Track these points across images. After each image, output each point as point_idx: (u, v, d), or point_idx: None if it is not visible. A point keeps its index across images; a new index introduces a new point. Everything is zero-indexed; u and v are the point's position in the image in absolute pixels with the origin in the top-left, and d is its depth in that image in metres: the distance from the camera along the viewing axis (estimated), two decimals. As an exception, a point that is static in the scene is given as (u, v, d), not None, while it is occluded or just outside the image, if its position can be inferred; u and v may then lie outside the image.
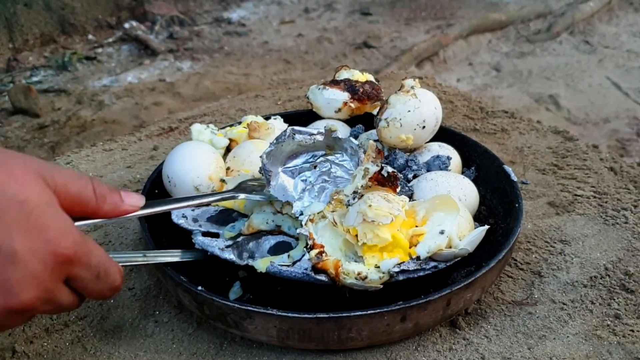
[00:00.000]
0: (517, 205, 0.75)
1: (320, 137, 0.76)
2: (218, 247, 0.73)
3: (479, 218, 0.83)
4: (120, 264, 0.58)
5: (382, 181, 0.67)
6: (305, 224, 0.70)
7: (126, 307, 0.73)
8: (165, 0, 3.59)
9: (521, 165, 1.03)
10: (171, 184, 0.82)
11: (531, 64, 2.80)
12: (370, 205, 0.64)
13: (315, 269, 0.65)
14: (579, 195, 0.92)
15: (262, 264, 0.70)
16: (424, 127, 0.84)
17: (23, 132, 2.21)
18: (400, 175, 0.71)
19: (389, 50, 2.96)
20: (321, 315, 0.59)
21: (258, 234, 0.78)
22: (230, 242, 0.74)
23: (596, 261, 0.78)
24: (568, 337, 0.67)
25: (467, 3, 3.72)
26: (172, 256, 0.71)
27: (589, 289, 0.74)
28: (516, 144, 1.11)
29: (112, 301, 0.73)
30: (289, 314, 0.59)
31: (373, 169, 0.67)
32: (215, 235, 0.77)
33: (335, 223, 0.68)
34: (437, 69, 2.66)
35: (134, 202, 0.60)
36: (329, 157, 0.79)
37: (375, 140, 0.87)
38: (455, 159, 0.88)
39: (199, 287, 0.63)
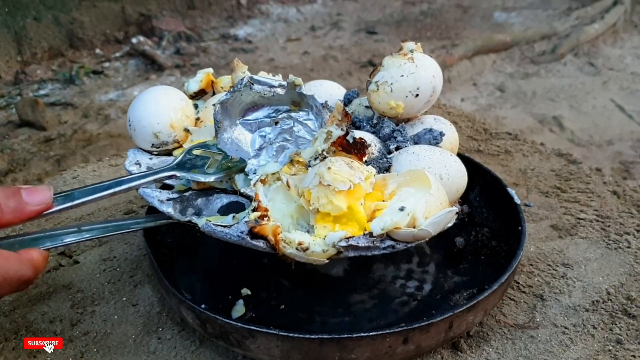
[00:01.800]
0: (520, 228, 0.76)
1: (281, 90, 0.69)
2: (158, 198, 0.66)
3: (481, 240, 0.84)
4: (52, 246, 0.59)
5: (346, 147, 0.62)
6: (254, 184, 0.64)
7: (129, 323, 0.73)
8: (172, 16, 3.62)
9: (524, 187, 1.04)
10: (131, 127, 0.76)
11: (535, 85, 2.81)
12: (329, 168, 0.58)
13: (252, 233, 0.59)
14: (581, 219, 0.93)
15: (204, 223, 0.65)
16: (417, 95, 0.75)
17: (29, 145, 2.22)
18: (368, 142, 0.65)
19: (394, 69, 2.97)
20: (323, 337, 0.59)
21: (210, 191, 0.72)
22: (175, 195, 0.68)
23: (598, 285, 0.78)
24: (569, 361, 0.67)
25: (472, 23, 3.74)
26: (112, 226, 0.66)
27: (590, 313, 0.74)
28: (519, 166, 1.11)
29: (115, 317, 0.73)
30: (291, 334, 0.59)
31: (337, 132, 0.61)
32: (170, 188, 0.71)
33: (289, 186, 0.63)
34: (442, 88, 2.66)
35: (39, 200, 0.55)
36: (293, 114, 0.72)
37: (366, 107, 0.82)
38: (450, 136, 0.80)
39: (203, 306, 0.64)
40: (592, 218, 0.93)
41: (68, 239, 0.62)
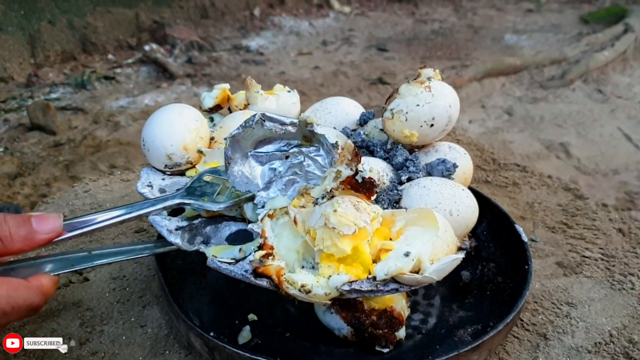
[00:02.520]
0: (526, 267, 0.77)
1: (292, 129, 0.68)
2: (167, 227, 0.67)
3: (487, 275, 0.84)
4: (62, 271, 0.60)
5: (355, 186, 0.62)
6: (262, 220, 0.64)
7: (137, 344, 0.74)
8: (185, 24, 3.65)
9: (531, 221, 1.04)
10: (145, 147, 0.76)
11: (543, 110, 2.82)
12: (335, 210, 0.58)
13: (256, 273, 0.60)
14: (587, 257, 0.94)
15: (214, 252, 0.65)
16: (432, 125, 0.75)
17: (39, 149, 2.24)
18: (378, 182, 0.66)
19: (403, 87, 2.99)
20: (329, 370, 0.60)
21: (219, 218, 0.72)
22: (184, 224, 0.69)
23: (601, 327, 0.79)
24: (571, 404, 0.67)
25: (483, 44, 3.76)
26: (124, 252, 0.67)
27: (593, 355, 0.74)
28: (527, 199, 1.12)
29: (124, 337, 0.74)
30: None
31: (346, 172, 0.61)
32: (182, 211, 0.72)
33: (296, 222, 0.62)
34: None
35: (49, 228, 0.56)
36: (303, 149, 0.71)
37: (381, 130, 0.82)
38: (464, 166, 0.79)
39: (211, 333, 0.65)
40: (597, 256, 0.94)
41: (78, 265, 0.63)
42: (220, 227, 0.71)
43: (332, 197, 0.62)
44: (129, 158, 2.14)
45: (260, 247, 0.61)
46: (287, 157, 0.72)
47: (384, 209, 0.68)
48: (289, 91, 0.93)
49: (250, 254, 0.62)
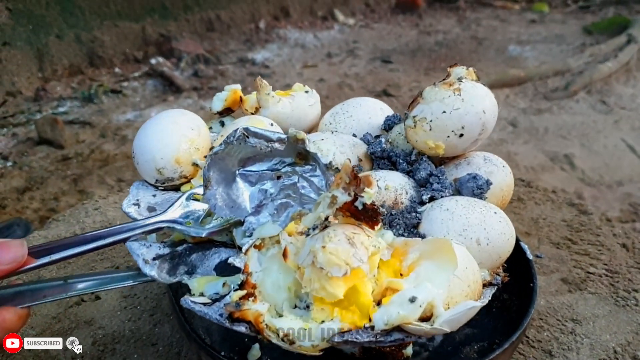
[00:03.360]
0: (531, 284, 0.77)
1: (279, 146, 0.60)
2: (143, 257, 0.59)
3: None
4: (32, 303, 0.53)
5: (356, 214, 0.52)
6: (246, 251, 0.56)
7: (149, 363, 0.75)
8: (192, 38, 3.68)
9: (536, 237, 1.06)
10: (135, 160, 0.69)
11: (548, 121, 2.83)
12: (324, 247, 0.48)
13: (232, 317, 0.52)
14: (591, 273, 0.95)
15: (198, 285, 0.58)
16: (461, 135, 0.63)
17: (47, 163, 2.26)
18: (383, 210, 0.57)
19: (408, 99, 3.01)
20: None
21: (207, 244, 0.64)
22: (166, 251, 0.61)
23: (605, 343, 0.80)
24: (576, 421, 0.68)
25: (487, 55, 3.78)
26: (99, 280, 0.59)
27: (598, 372, 0.75)
28: (532, 214, 1.13)
29: (135, 356, 0.76)
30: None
31: (343, 198, 0.51)
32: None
33: (286, 255, 0.53)
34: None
35: (10, 258, 0.50)
36: (297, 168, 0.63)
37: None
38: (502, 184, 0.67)
39: (222, 353, 0.66)
40: (602, 272, 0.95)
41: (51, 296, 0.56)
42: (208, 255, 0.64)
43: (326, 227, 0.52)
44: (136, 172, 2.15)
45: (240, 286, 0.53)
46: (278, 178, 0.63)
47: (398, 234, 0.61)
48: (306, 91, 0.84)
49: (230, 292, 0.54)
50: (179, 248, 0.63)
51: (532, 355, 0.78)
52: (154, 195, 0.68)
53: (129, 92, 3.07)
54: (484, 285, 0.58)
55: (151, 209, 0.65)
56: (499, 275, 0.60)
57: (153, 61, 3.31)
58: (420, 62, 3.64)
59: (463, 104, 0.62)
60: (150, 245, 0.61)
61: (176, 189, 0.71)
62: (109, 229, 0.59)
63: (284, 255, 0.53)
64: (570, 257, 0.99)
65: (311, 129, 0.85)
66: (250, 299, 0.52)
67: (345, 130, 0.79)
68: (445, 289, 0.50)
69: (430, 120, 0.63)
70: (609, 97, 3.11)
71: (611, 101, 3.07)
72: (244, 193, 0.63)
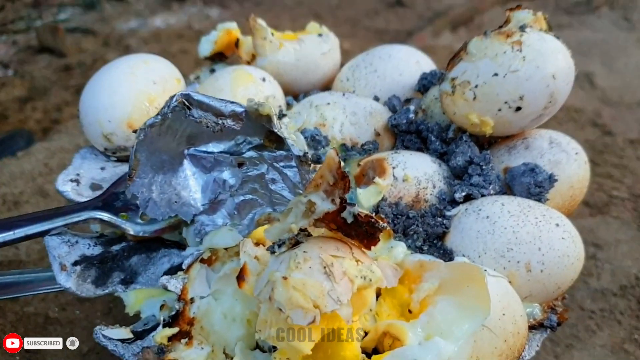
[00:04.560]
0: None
1: (234, 124, 0.43)
2: (60, 260, 0.44)
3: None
4: None
5: (344, 228, 0.35)
6: (187, 269, 0.41)
7: None
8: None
9: (557, 158, 1.01)
10: (81, 123, 0.55)
11: (568, 37, 2.71)
12: (285, 278, 0.32)
13: None
14: (614, 197, 0.91)
15: (135, 300, 0.43)
16: (518, 108, 0.46)
17: (49, 72, 2.20)
18: (384, 225, 0.36)
19: (423, 10, 2.88)
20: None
21: (155, 244, 0.48)
22: (97, 251, 0.45)
23: (627, 269, 0.77)
24: (595, 348, 0.67)
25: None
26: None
27: (618, 298, 0.73)
28: (553, 134, 1.09)
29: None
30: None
31: (324, 206, 0.34)
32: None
33: (244, 277, 0.37)
34: (472, 35, 2.59)
35: None
36: (266, 154, 0.45)
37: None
38: (573, 179, 0.50)
39: None
40: (625, 196, 0.91)
41: None
42: (154, 258, 0.47)
43: (297, 244, 0.36)
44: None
45: (172, 320, 0.38)
46: (240, 165, 0.46)
47: (415, 248, 0.45)
48: (320, 34, 0.66)
49: (160, 324, 0.39)
50: (115, 248, 0.47)
51: (550, 280, 0.76)
52: (103, 169, 0.54)
53: (133, -1, 2.94)
54: (531, 327, 0.43)
55: (96, 186, 0.50)
56: (555, 310, 0.43)
57: (156, -34, 3.16)
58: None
59: (524, 63, 0.46)
60: (77, 242, 0.46)
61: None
62: (23, 216, 0.44)
63: (241, 276, 0.37)
64: (593, 180, 0.95)
65: (325, 87, 0.67)
66: (183, 340, 0.37)
67: (365, 91, 0.62)
68: (466, 349, 0.35)
69: (476, 86, 0.47)
70: (632, 13, 2.97)
71: (634, 17, 2.93)
72: (194, 182, 0.46)
